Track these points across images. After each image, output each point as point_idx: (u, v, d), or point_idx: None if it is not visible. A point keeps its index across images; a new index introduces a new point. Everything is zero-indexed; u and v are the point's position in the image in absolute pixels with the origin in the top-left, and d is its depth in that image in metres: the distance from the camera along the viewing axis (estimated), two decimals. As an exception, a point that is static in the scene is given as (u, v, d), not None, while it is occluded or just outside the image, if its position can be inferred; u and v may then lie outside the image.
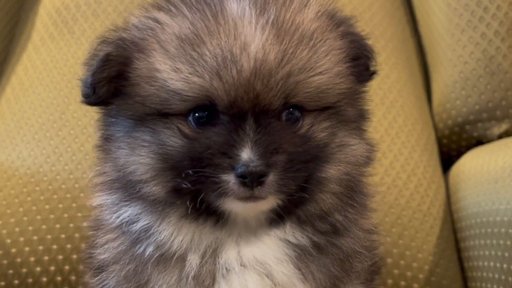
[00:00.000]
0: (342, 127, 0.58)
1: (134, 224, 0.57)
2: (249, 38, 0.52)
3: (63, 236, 0.95)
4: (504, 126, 1.10)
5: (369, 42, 0.63)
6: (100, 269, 0.60)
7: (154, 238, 0.56)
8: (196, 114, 0.54)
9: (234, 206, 0.54)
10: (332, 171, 0.57)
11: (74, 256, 0.94)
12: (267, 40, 0.52)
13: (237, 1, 0.54)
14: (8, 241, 0.95)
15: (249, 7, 0.54)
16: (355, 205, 0.60)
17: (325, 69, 0.55)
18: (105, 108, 0.60)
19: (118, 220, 0.58)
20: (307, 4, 0.58)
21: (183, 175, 0.53)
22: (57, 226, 0.96)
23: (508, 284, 0.87)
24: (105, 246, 0.59)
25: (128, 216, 0.57)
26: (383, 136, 1.08)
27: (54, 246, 0.95)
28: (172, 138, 0.54)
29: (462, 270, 1.04)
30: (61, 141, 1.01)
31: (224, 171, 0.52)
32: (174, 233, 0.56)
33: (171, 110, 0.54)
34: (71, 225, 0.96)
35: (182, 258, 0.56)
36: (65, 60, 1.09)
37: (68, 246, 0.95)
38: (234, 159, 0.51)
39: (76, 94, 1.06)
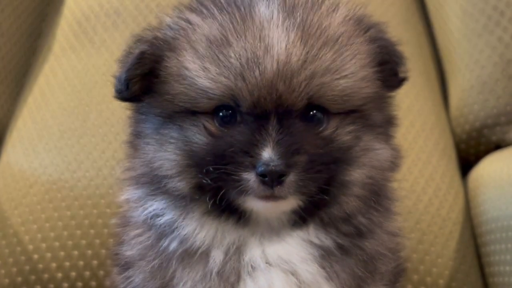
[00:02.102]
0: (368, 131, 0.58)
1: (159, 218, 0.58)
2: (274, 40, 0.53)
3: (84, 242, 0.95)
4: (523, 130, 1.08)
5: (399, 48, 0.62)
6: (126, 265, 0.60)
7: (178, 233, 0.57)
8: (221, 113, 0.55)
9: (254, 204, 0.54)
10: (356, 174, 0.57)
11: (95, 262, 0.94)
12: (291, 42, 0.53)
13: (266, 4, 0.55)
14: (30, 247, 0.95)
15: (277, 11, 0.55)
16: (380, 208, 0.60)
17: (350, 72, 0.55)
18: (136, 106, 0.61)
19: (144, 213, 0.59)
20: (335, 9, 0.58)
21: (205, 172, 0.53)
22: (78, 232, 0.96)
23: (532, 289, 0.85)
24: (132, 242, 0.60)
25: (153, 210, 0.58)
26: (400, 141, 1.03)
27: (75, 252, 0.95)
28: (198, 136, 0.55)
29: (483, 275, 1.02)
30: (82, 149, 1.02)
31: (245, 169, 0.52)
32: (197, 228, 0.57)
33: (198, 108, 0.55)
34: (92, 231, 0.96)
35: (206, 254, 0.56)
36: (86, 69, 1.11)
37: (89, 252, 0.95)
38: (256, 158, 0.51)
39: (97, 102, 1.08)
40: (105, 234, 0.96)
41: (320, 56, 0.53)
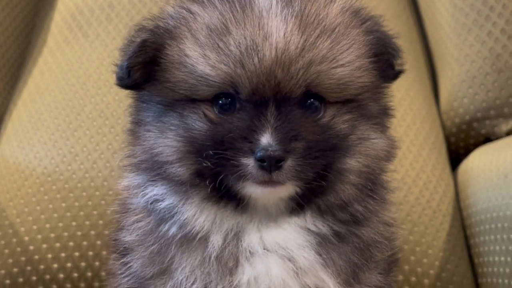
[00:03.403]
0: (364, 121, 0.58)
1: (159, 203, 0.58)
2: (272, 29, 0.53)
3: (79, 233, 0.95)
4: (511, 123, 1.09)
5: (396, 41, 0.63)
6: (125, 251, 0.61)
7: (177, 218, 0.57)
8: (221, 101, 0.55)
9: (253, 190, 0.55)
10: (353, 162, 0.57)
11: (91, 253, 0.95)
12: (290, 30, 0.53)
13: None
14: (26, 238, 0.95)
15: (276, 1, 0.55)
16: (376, 197, 0.60)
17: (347, 61, 0.56)
18: (137, 94, 0.61)
19: (144, 199, 0.59)
20: (333, 0, 0.59)
21: (205, 158, 0.54)
22: (73, 223, 0.96)
23: (520, 278, 0.86)
24: (131, 227, 0.60)
25: (154, 196, 0.58)
26: (391, 134, 1.07)
27: (71, 243, 0.95)
28: (198, 123, 0.56)
29: (473, 266, 1.03)
30: (77, 141, 1.02)
31: (244, 154, 0.52)
32: (197, 214, 0.57)
33: (198, 95, 0.56)
34: (87, 222, 0.96)
35: (205, 239, 0.57)
36: (80, 63, 1.10)
37: (84, 243, 0.95)
38: (254, 143, 0.52)
39: (91, 95, 1.08)
40: (100, 226, 0.96)
41: (317, 44, 0.54)
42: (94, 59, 1.10)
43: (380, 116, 0.61)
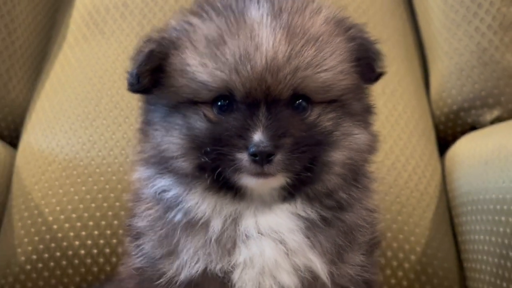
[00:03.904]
0: (347, 118, 0.62)
1: (166, 193, 0.63)
2: (263, 39, 0.57)
3: (98, 214, 1.01)
4: (495, 113, 1.12)
5: (379, 46, 0.65)
6: (138, 235, 0.66)
7: (182, 206, 0.62)
8: (219, 103, 0.60)
9: (247, 181, 0.59)
10: (337, 155, 0.62)
11: (108, 232, 1.00)
12: (278, 41, 0.57)
13: (256, 8, 0.60)
14: (50, 218, 1.02)
15: (266, 14, 0.59)
16: (359, 186, 0.65)
17: (330, 66, 0.59)
18: (146, 97, 0.66)
19: (153, 189, 0.64)
20: (318, 11, 0.62)
21: (205, 154, 0.58)
22: (93, 205, 1.02)
23: (496, 255, 0.90)
24: (143, 215, 0.65)
25: (161, 186, 0.63)
26: (384, 123, 1.11)
27: (91, 223, 1.01)
28: (199, 122, 0.60)
29: (456, 243, 1.08)
30: (95, 131, 1.07)
31: (239, 150, 0.57)
32: (199, 202, 0.62)
33: (198, 98, 0.60)
34: (105, 204, 1.02)
35: (206, 224, 0.62)
36: (97, 58, 1.15)
37: (103, 223, 1.01)
38: (248, 140, 0.56)
39: (108, 88, 1.13)
40: (117, 207, 1.01)
41: (302, 52, 0.58)
42: (110, 55, 1.15)
43: (363, 114, 0.65)
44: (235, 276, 0.60)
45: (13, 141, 1.17)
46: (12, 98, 1.16)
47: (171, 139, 0.61)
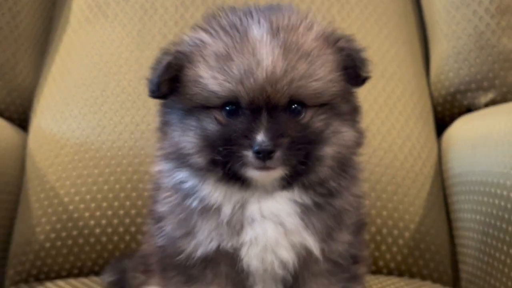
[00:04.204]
0: (336, 118, 0.80)
1: (184, 184, 0.82)
2: (263, 56, 0.74)
3: (110, 195, 1.22)
4: (490, 96, 1.32)
5: (364, 54, 0.82)
6: (159, 219, 0.85)
7: (198, 194, 0.80)
8: (227, 108, 0.77)
9: (252, 173, 0.78)
10: (327, 150, 0.80)
11: (121, 212, 1.22)
12: (276, 57, 0.74)
13: (257, 27, 0.76)
14: (66, 199, 1.22)
15: (266, 33, 0.76)
16: (347, 176, 0.84)
17: (320, 77, 0.77)
18: (164, 101, 0.83)
19: (173, 181, 0.83)
20: (310, 28, 0.79)
21: (217, 151, 0.77)
22: (105, 187, 1.22)
23: (480, 232, 1.12)
24: (163, 201, 0.84)
25: (180, 178, 0.82)
26: (382, 107, 1.31)
27: (104, 204, 1.22)
28: (211, 124, 0.78)
29: (449, 221, 1.29)
30: (104, 115, 1.27)
31: (245, 148, 0.75)
32: (212, 191, 0.80)
33: (210, 104, 0.78)
34: (117, 186, 1.23)
35: (218, 209, 0.80)
36: (102, 42, 1.34)
37: (116, 203, 1.22)
38: (252, 140, 0.74)
39: (114, 73, 1.31)
40: (128, 188, 1.22)
41: (297, 66, 0.75)
42: (114, 39, 1.33)
43: (351, 114, 0.83)
44: (243, 252, 0.80)
45: (22, 124, 1.38)
46: (19, 81, 1.36)
47: (187, 138, 0.79)
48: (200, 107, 0.79)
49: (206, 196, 0.81)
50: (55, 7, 1.45)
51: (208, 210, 0.81)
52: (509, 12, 1.30)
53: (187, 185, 0.81)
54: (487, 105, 1.33)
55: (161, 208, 0.84)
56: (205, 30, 0.79)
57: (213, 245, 0.80)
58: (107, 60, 1.32)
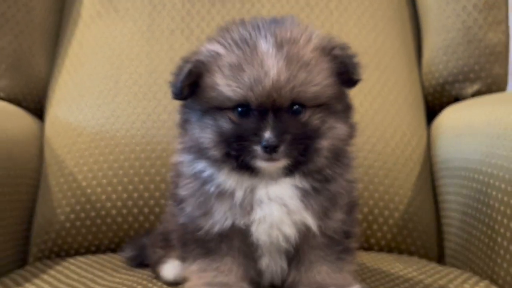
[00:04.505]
0: (331, 116, 1.03)
1: (203, 173, 1.06)
2: (270, 67, 0.97)
3: (125, 179, 1.48)
4: (476, 87, 1.59)
5: (356, 59, 1.04)
6: (181, 201, 1.10)
7: (215, 181, 1.05)
8: (239, 109, 1.00)
9: (261, 164, 1.01)
10: (324, 143, 1.03)
11: (135, 194, 1.48)
12: (280, 68, 0.97)
13: (264, 42, 0.99)
14: (84, 183, 1.49)
15: (272, 46, 0.99)
16: (340, 164, 1.09)
17: (317, 82, 1.00)
18: (185, 102, 1.07)
19: (193, 170, 1.07)
20: (309, 41, 1.02)
21: (231, 146, 1.00)
22: (120, 172, 1.48)
23: (460, 212, 1.39)
24: (185, 187, 1.08)
25: (199, 168, 1.06)
26: (376, 97, 1.57)
27: (119, 187, 1.48)
28: (225, 123, 1.01)
29: (436, 203, 1.56)
30: (117, 106, 1.52)
31: (255, 144, 0.98)
32: (227, 178, 1.04)
33: (224, 106, 1.01)
34: (131, 171, 1.48)
35: (232, 194, 1.04)
36: (114, 36, 1.58)
37: (130, 187, 1.48)
38: (261, 137, 0.98)
39: (126, 66, 1.56)
40: (142, 173, 1.48)
41: (298, 75, 0.98)
42: (126, 33, 1.58)
43: (344, 111, 1.06)
44: (253, 228, 1.04)
45: (38, 113, 1.62)
46: (36, 73, 1.60)
47: (206, 135, 1.03)
48: (215, 108, 1.02)
49: (221, 182, 1.05)
50: (65, 1, 1.69)
51: (223, 194, 1.05)
52: (495, 8, 1.56)
53: (205, 173, 1.06)
54: (473, 95, 1.58)
55: (183, 192, 1.10)
56: (220, 43, 1.02)
57: (228, 223, 1.05)
58: (119, 54, 1.56)
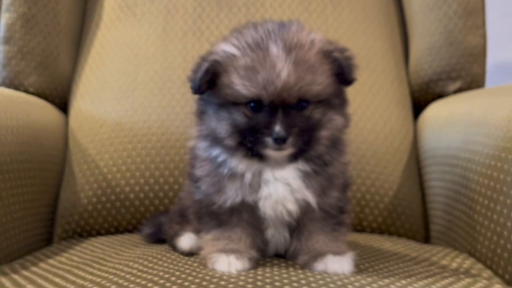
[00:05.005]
0: (330, 109, 1.16)
1: (218, 158, 1.18)
2: (280, 69, 1.09)
3: (142, 166, 1.61)
4: (457, 84, 1.73)
5: (353, 61, 1.16)
6: (197, 180, 1.22)
7: (228, 165, 1.17)
8: (252, 105, 1.12)
9: (270, 153, 1.14)
10: (323, 133, 1.15)
11: (151, 180, 1.61)
12: (290, 71, 1.09)
13: (276, 47, 1.10)
14: (105, 170, 1.62)
15: (282, 51, 1.10)
16: (336, 150, 1.22)
17: (320, 82, 1.12)
18: (202, 96, 1.18)
19: (209, 155, 1.19)
20: (313, 45, 1.14)
21: (244, 136, 1.12)
22: (138, 159, 1.61)
23: (443, 195, 1.53)
24: (200, 168, 1.21)
25: (215, 154, 1.18)
26: (367, 93, 1.71)
27: (137, 173, 1.61)
28: (239, 117, 1.13)
29: (422, 188, 1.70)
30: (136, 100, 1.66)
31: (267, 136, 1.11)
32: (238, 163, 1.17)
33: (238, 101, 1.12)
34: (148, 159, 1.61)
35: (242, 175, 1.17)
36: (132, 38, 1.72)
37: (147, 173, 1.61)
38: (271, 130, 1.10)
39: (143, 64, 1.69)
40: (157, 161, 1.61)
41: (304, 77, 1.10)
42: (143, 35, 1.72)
43: (341, 105, 1.18)
44: (260, 204, 1.17)
45: (62, 107, 1.76)
46: (61, 71, 1.73)
47: (222, 126, 1.14)
48: (231, 103, 1.14)
49: (233, 166, 1.17)
50: (87, 5, 1.84)
51: (235, 176, 1.17)
52: (474, 14, 1.71)
53: (220, 158, 1.18)
54: (455, 92, 1.73)
55: (199, 173, 1.22)
56: (235, 46, 1.14)
57: (238, 199, 1.17)
58: (136, 53, 1.70)
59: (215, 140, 1.18)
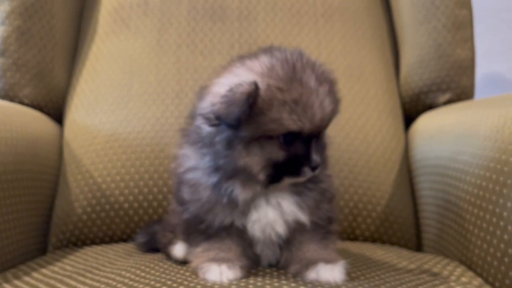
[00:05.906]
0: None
1: (220, 187, 1.13)
2: (322, 102, 1.08)
3: (136, 176, 1.59)
4: (447, 96, 1.72)
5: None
6: (185, 203, 1.18)
7: (230, 193, 1.12)
8: (286, 137, 1.09)
9: (295, 180, 1.12)
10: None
11: (145, 190, 1.58)
12: (328, 102, 1.09)
13: (313, 80, 1.07)
14: (99, 180, 1.60)
15: (317, 84, 1.08)
16: (326, 165, 1.22)
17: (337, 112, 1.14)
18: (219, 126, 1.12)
19: (206, 182, 1.14)
20: (334, 78, 1.14)
21: (282, 170, 1.10)
22: (132, 169, 1.59)
23: (434, 205, 1.51)
24: (192, 193, 1.16)
25: (214, 181, 1.13)
26: (359, 104, 1.70)
27: (131, 183, 1.59)
28: (275, 150, 1.09)
29: (413, 197, 1.69)
30: (129, 111, 1.64)
31: (305, 165, 1.10)
32: (241, 191, 1.12)
33: (273, 134, 1.08)
34: (142, 168, 1.59)
35: (237, 201, 1.13)
36: (126, 51, 1.70)
37: (141, 183, 1.59)
38: (310, 159, 1.10)
39: (137, 76, 1.68)
40: (151, 171, 1.59)
41: (334, 107, 1.11)
42: (137, 48, 1.70)
43: None
44: (249, 227, 1.14)
45: (57, 118, 1.73)
46: (56, 83, 1.72)
47: (255, 161, 1.09)
48: (264, 136, 1.09)
49: (236, 194, 1.13)
50: (82, 19, 1.82)
51: (231, 202, 1.14)
52: (462, 28, 1.70)
53: (223, 188, 1.14)
54: (445, 103, 1.72)
55: (189, 196, 1.18)
56: (282, 80, 1.08)
57: (228, 221, 1.15)
58: (131, 65, 1.69)
59: (235, 173, 1.13)
